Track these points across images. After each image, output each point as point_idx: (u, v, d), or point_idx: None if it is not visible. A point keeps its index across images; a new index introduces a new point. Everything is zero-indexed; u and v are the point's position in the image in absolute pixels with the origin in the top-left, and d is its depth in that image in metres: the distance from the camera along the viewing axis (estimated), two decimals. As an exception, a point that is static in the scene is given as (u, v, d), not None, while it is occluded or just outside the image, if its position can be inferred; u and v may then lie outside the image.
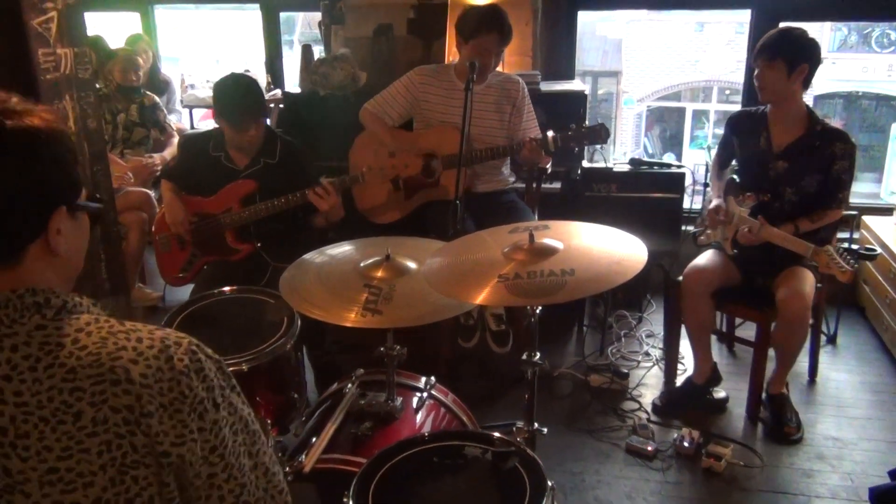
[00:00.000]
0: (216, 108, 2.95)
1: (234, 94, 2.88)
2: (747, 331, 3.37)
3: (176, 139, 4.50)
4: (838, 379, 3.42)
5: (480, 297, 1.69)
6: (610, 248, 1.84)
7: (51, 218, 1.02)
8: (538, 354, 1.96)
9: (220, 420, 1.04)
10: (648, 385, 3.36)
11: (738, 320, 3.55)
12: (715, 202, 3.06)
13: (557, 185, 3.64)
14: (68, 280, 1.10)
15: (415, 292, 1.92)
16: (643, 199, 3.74)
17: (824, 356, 3.54)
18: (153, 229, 3.17)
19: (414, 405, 2.16)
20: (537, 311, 1.92)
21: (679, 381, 3.31)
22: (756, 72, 2.90)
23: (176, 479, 1.00)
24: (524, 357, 1.97)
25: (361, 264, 2.05)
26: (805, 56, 2.82)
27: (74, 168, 1.06)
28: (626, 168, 3.85)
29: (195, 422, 1.00)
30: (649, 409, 3.15)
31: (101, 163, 2.24)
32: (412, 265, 2.04)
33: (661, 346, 3.62)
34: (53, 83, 1.97)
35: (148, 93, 4.50)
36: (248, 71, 4.64)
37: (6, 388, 0.94)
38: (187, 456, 0.99)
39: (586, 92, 3.88)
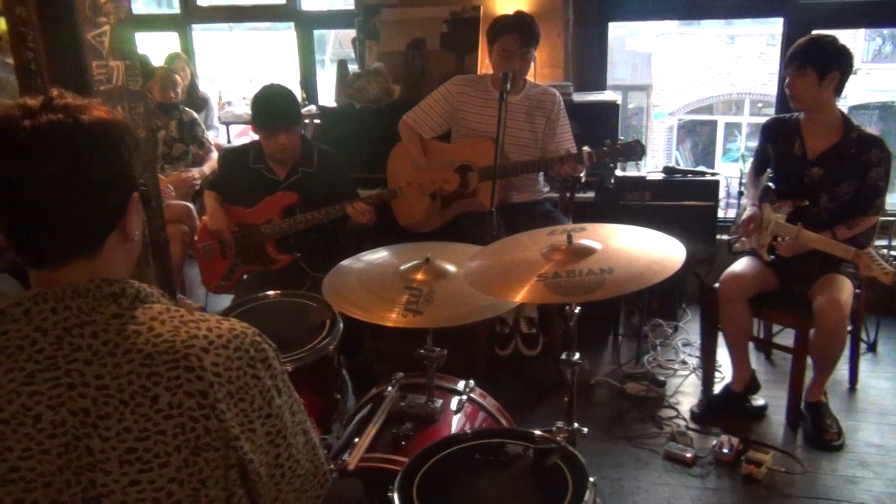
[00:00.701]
0: (252, 117, 3.03)
1: (268, 101, 2.97)
2: (785, 338, 3.35)
3: (214, 154, 4.60)
4: (879, 386, 3.38)
5: (520, 296, 1.72)
6: (647, 248, 1.85)
7: (129, 204, 1.09)
8: (577, 354, 1.98)
9: (282, 405, 1.10)
10: (686, 393, 3.35)
11: (775, 328, 3.52)
12: (749, 211, 3.06)
13: (591, 194, 3.66)
14: (133, 263, 1.15)
15: (455, 293, 1.96)
16: (677, 207, 3.74)
17: (864, 363, 3.50)
18: (196, 239, 3.25)
19: (453, 407, 2.19)
20: (576, 311, 1.94)
21: (717, 388, 3.29)
22: (787, 80, 2.91)
23: (240, 463, 1.04)
24: (563, 357, 1.99)
25: (401, 267, 2.10)
26: (835, 63, 2.81)
27: (135, 155, 1.12)
28: (660, 176, 3.85)
29: (264, 408, 1.07)
30: (687, 416, 3.14)
31: (149, 171, 2.32)
32: (451, 268, 2.08)
33: (697, 354, 3.60)
34: (107, 94, 2.06)
35: (187, 109, 4.61)
36: (281, 85, 4.73)
37: (88, 372, 0.99)
38: (255, 438, 1.05)
39: (618, 102, 3.90)
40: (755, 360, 3.38)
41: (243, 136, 5.91)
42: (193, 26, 5.51)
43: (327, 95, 4.96)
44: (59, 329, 1.01)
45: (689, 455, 2.83)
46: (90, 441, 0.98)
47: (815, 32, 2.98)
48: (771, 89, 11.43)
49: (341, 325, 2.27)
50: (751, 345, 3.27)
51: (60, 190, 1.00)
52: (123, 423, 0.98)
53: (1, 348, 1.01)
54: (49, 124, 1.00)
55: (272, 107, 2.96)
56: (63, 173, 1.00)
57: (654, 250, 1.84)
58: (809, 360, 3.00)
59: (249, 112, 5.24)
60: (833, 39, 2.86)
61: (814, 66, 2.80)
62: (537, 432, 1.78)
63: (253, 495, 1.07)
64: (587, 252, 1.81)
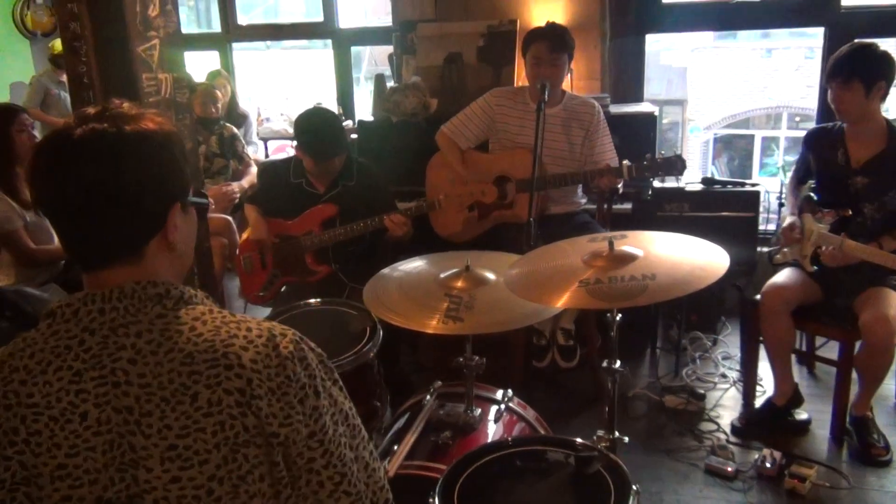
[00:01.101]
0: (299, 141, 3.08)
1: (317, 130, 3.02)
2: (828, 352, 3.29)
3: (254, 168, 4.68)
4: (927, 402, 3.30)
5: (562, 302, 1.72)
6: (690, 255, 1.84)
7: (169, 214, 1.10)
8: (619, 362, 1.97)
9: (320, 407, 1.09)
10: (726, 406, 3.30)
11: (818, 341, 3.46)
12: (789, 220, 3.02)
13: (628, 205, 3.64)
14: (181, 274, 1.18)
15: (495, 300, 1.96)
16: (717, 218, 3.69)
17: (912, 378, 3.42)
18: (237, 251, 3.30)
19: (492, 416, 2.18)
20: (617, 318, 1.94)
21: (758, 402, 3.24)
22: (831, 94, 2.86)
23: (285, 460, 1.05)
24: (604, 365, 1.98)
25: (441, 275, 2.11)
26: (881, 73, 2.77)
27: (184, 165, 1.14)
28: (699, 187, 3.82)
29: (296, 407, 1.06)
30: (728, 430, 3.09)
31: (195, 181, 2.37)
32: (491, 276, 2.09)
33: (737, 367, 3.55)
34: (155, 106, 2.12)
35: (227, 125, 4.71)
36: (319, 104, 4.81)
37: (131, 371, 1.02)
38: (293, 436, 1.05)
39: (656, 113, 3.88)
40: (798, 374, 3.32)
41: (280, 151, 6.00)
42: (233, 45, 5.63)
43: (363, 112, 5.02)
44: (106, 329, 1.04)
45: (730, 469, 2.78)
46: (133, 438, 1.00)
47: (856, 41, 2.92)
48: (809, 102, 11.33)
49: (381, 332, 2.29)
50: (793, 358, 3.22)
51: (97, 196, 1.03)
52: (164, 421, 1.00)
53: (51, 348, 1.04)
54: (92, 133, 1.04)
55: (322, 136, 3.02)
56: (100, 180, 1.03)
57: (697, 257, 1.82)
58: (854, 374, 2.94)
59: (288, 127, 5.38)
60: (875, 47, 2.81)
61: (860, 78, 2.75)
62: (579, 440, 1.77)
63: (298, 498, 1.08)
64: (629, 258, 1.81)
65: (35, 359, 1.04)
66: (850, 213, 2.88)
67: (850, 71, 2.76)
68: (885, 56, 2.79)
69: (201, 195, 1.27)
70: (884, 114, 2.92)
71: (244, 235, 3.29)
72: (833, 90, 2.83)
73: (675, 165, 3.00)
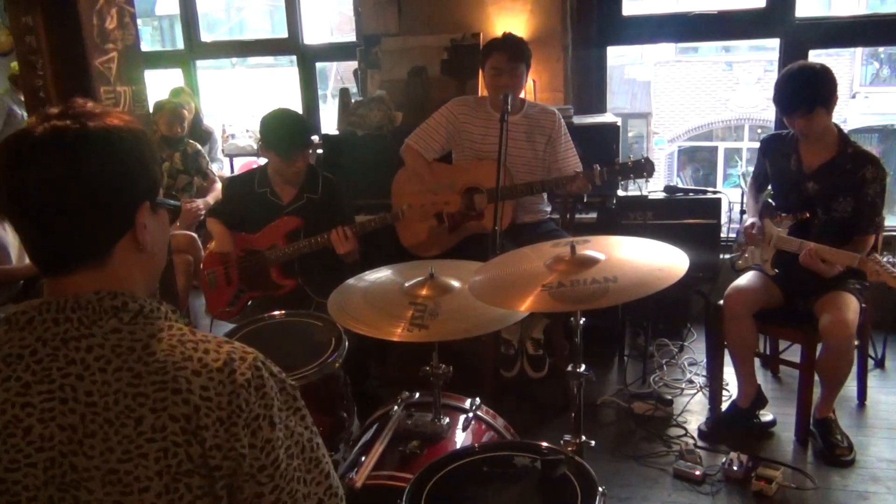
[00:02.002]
0: (264, 139, 3.05)
1: (283, 125, 3.01)
2: (791, 355, 3.34)
3: (219, 185, 4.64)
4: (888, 402, 3.36)
5: (525, 305, 1.73)
6: (650, 258, 1.87)
7: (137, 213, 1.06)
8: (584, 366, 1.99)
9: (273, 440, 1.02)
10: (693, 412, 3.33)
11: (781, 345, 3.51)
12: (750, 220, 3.08)
13: (593, 214, 3.68)
14: (153, 276, 1.14)
15: (460, 307, 1.97)
16: (679, 225, 3.75)
17: (873, 380, 3.48)
18: (201, 266, 3.27)
19: (460, 425, 2.18)
20: (581, 322, 1.95)
21: (724, 406, 3.27)
22: (794, 124, 2.87)
23: (228, 493, 1.00)
24: (569, 369, 1.99)
25: (406, 284, 2.11)
26: (833, 88, 2.83)
27: (154, 166, 1.10)
28: (662, 195, 3.87)
29: (247, 437, 1.00)
30: (695, 434, 3.12)
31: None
32: (455, 283, 2.09)
33: (704, 373, 3.59)
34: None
35: (191, 141, 4.67)
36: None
37: (79, 388, 0.97)
38: (237, 469, 0.99)
39: (618, 124, 3.93)
40: (761, 378, 3.37)
41: (246, 168, 5.97)
42: (197, 63, 5.60)
43: (329, 127, 5.02)
44: (58, 341, 0.99)
45: (698, 473, 2.81)
46: (75, 458, 0.96)
47: (795, 66, 2.93)
48: (769, 114, 11.56)
49: (347, 342, 2.28)
50: (756, 362, 3.26)
51: (60, 196, 0.99)
52: (107, 443, 0.96)
53: (3, 356, 1.00)
54: (53, 130, 1.00)
55: (290, 130, 3.01)
56: (63, 179, 0.99)
57: (657, 259, 1.85)
58: (817, 376, 2.99)
59: (253, 144, 5.35)
60: (818, 68, 2.83)
61: (822, 104, 2.79)
62: (545, 444, 1.77)
63: None
64: (591, 262, 1.82)
65: None
66: (808, 215, 2.94)
67: (812, 100, 2.79)
68: (828, 73, 2.84)
69: (172, 197, 1.24)
70: (834, 121, 2.98)
71: (208, 248, 3.26)
72: (796, 120, 2.85)
73: (645, 168, 3.06)
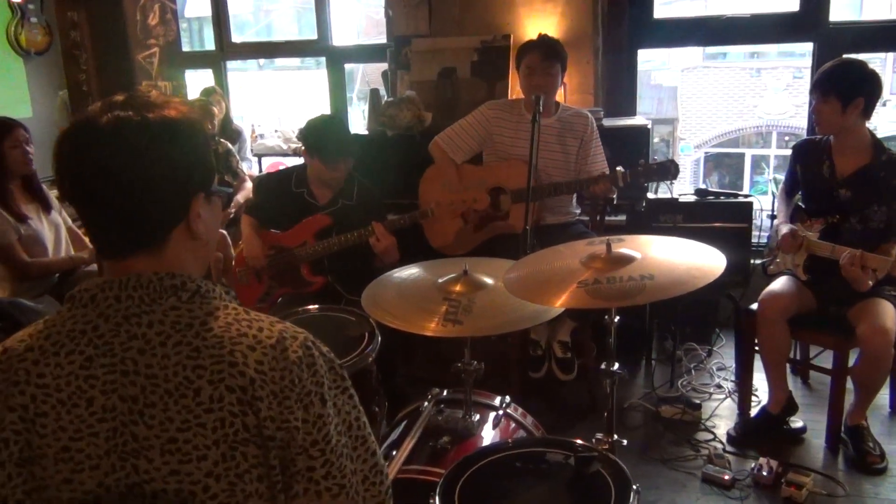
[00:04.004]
0: (309, 144, 3.08)
1: (329, 132, 3.03)
2: (822, 361, 3.30)
3: (248, 184, 4.68)
4: (922, 410, 3.31)
5: (561, 301, 1.73)
6: (686, 257, 1.86)
7: (192, 203, 1.10)
8: (616, 365, 1.98)
9: (325, 416, 1.06)
10: (722, 416, 3.30)
11: (812, 351, 3.47)
12: (786, 228, 3.04)
13: (622, 217, 3.67)
14: (204, 263, 1.17)
15: (494, 303, 1.98)
16: (710, 228, 3.71)
17: (906, 387, 3.43)
18: (233, 264, 3.31)
19: (490, 422, 2.19)
20: (615, 320, 1.95)
21: (753, 412, 3.24)
22: (813, 105, 2.92)
23: (281, 464, 1.03)
24: (602, 367, 1.99)
25: (440, 280, 2.12)
26: (860, 90, 2.79)
27: (209, 156, 1.13)
28: (693, 198, 3.85)
29: (300, 412, 1.04)
30: (724, 439, 3.09)
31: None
32: (489, 280, 2.10)
33: (732, 378, 3.56)
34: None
35: (221, 140, 4.71)
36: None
37: (140, 361, 1.02)
38: (289, 441, 1.03)
39: (649, 126, 3.92)
40: (792, 384, 3.33)
41: (274, 168, 6.02)
42: (228, 63, 5.64)
43: (358, 128, 5.05)
44: (120, 317, 1.04)
45: (726, 477, 2.78)
46: (136, 428, 1.00)
47: (844, 57, 2.97)
48: (798, 121, 11.46)
49: (379, 337, 2.29)
50: (787, 368, 3.23)
51: (118, 184, 1.03)
52: (167, 413, 1.00)
53: (67, 331, 1.04)
54: (116, 120, 1.04)
55: (336, 137, 3.05)
56: (121, 168, 1.02)
57: (693, 258, 1.84)
58: (849, 383, 2.96)
59: (282, 144, 5.39)
60: (859, 65, 2.85)
61: (837, 94, 2.79)
62: (578, 441, 1.77)
63: None
64: (627, 260, 1.82)
65: (50, 340, 1.04)
66: (838, 218, 2.91)
67: (828, 86, 2.81)
68: (867, 73, 2.82)
69: (224, 184, 1.26)
70: (869, 128, 2.95)
71: (239, 248, 3.30)
72: (814, 102, 2.89)
73: (669, 170, 3.03)
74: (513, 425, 2.23)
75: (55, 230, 3.39)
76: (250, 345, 1.04)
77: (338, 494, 1.07)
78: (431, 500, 1.62)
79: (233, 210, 4.43)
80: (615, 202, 3.49)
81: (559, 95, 3.44)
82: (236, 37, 5.51)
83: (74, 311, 1.06)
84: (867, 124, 2.93)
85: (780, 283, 3.06)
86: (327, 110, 5.29)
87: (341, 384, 1.12)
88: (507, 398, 2.31)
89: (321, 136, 3.04)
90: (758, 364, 3.17)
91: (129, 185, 1.03)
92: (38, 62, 4.99)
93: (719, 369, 3.72)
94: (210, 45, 5.58)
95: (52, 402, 1.02)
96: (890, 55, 10.76)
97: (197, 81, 5.64)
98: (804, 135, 4.18)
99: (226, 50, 5.48)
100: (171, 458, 1.00)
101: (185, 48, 5.57)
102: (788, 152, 3.33)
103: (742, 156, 12.41)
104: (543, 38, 3.30)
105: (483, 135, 3.42)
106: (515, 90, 3.93)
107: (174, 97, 1.12)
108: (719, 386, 3.56)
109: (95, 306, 1.05)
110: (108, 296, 1.05)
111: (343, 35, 7.71)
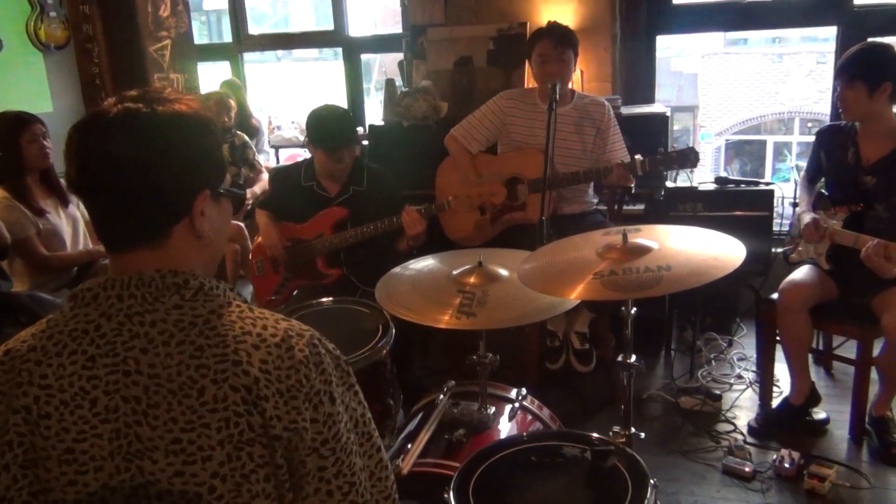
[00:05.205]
0: (311, 135, 3.07)
1: (328, 121, 3.01)
2: (845, 351, 3.24)
3: (265, 175, 4.69)
4: (948, 401, 3.24)
5: (576, 293, 1.70)
6: (704, 247, 1.83)
7: (195, 200, 1.08)
8: (633, 357, 1.95)
9: (335, 414, 1.05)
10: (742, 407, 3.26)
11: (835, 341, 3.42)
12: (809, 216, 2.98)
13: (641, 206, 3.62)
14: (211, 263, 1.16)
15: (508, 296, 1.95)
16: (731, 217, 3.66)
17: (932, 378, 3.36)
18: (250, 255, 3.31)
19: (506, 415, 2.17)
20: (633, 311, 1.92)
21: (775, 403, 3.20)
22: (838, 91, 2.85)
23: (288, 464, 1.02)
24: (619, 359, 1.96)
25: (454, 272, 2.10)
26: (886, 75, 2.73)
27: (218, 154, 1.12)
28: (713, 186, 3.79)
29: (309, 412, 1.02)
30: (745, 430, 3.05)
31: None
32: (504, 272, 2.07)
33: (753, 368, 3.52)
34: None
35: (238, 132, 4.72)
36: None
37: (142, 360, 1.00)
38: (296, 441, 1.01)
39: (668, 114, 3.87)
40: (814, 374, 3.28)
41: (292, 159, 6.03)
42: (245, 56, 5.64)
43: (374, 119, 5.04)
44: (122, 316, 1.02)
45: (748, 469, 2.75)
46: (140, 429, 0.99)
47: (869, 41, 2.90)
48: (821, 107, 11.28)
49: (393, 329, 2.28)
50: (809, 358, 3.18)
51: (120, 175, 1.02)
52: (171, 413, 0.99)
53: (69, 331, 1.03)
54: (125, 112, 1.04)
55: (333, 125, 3.01)
56: (125, 159, 1.02)
57: (712, 248, 1.81)
58: (873, 373, 2.90)
59: (299, 135, 5.40)
60: (886, 48, 2.78)
61: (863, 79, 2.73)
62: (595, 435, 1.75)
63: None
64: (644, 250, 1.79)
65: (53, 340, 1.04)
66: (862, 206, 2.85)
67: (854, 70, 2.75)
68: (894, 57, 2.76)
69: (238, 186, 1.25)
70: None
71: (257, 240, 3.30)
72: (839, 88, 2.83)
73: (689, 157, 2.98)
74: (529, 418, 2.21)
75: (73, 224, 3.41)
76: (254, 343, 1.03)
77: (348, 492, 1.06)
78: (446, 495, 1.61)
79: (249, 201, 4.44)
80: (633, 191, 3.44)
81: (576, 83, 3.39)
82: (254, 28, 5.51)
83: (77, 310, 1.05)
84: (895, 109, 2.87)
85: (801, 273, 3.01)
86: (344, 101, 5.29)
87: (347, 381, 1.11)
88: (524, 390, 2.29)
89: (320, 125, 3.02)
90: (779, 354, 3.12)
91: (131, 176, 1.02)
92: (57, 57, 5.02)
93: (740, 359, 3.68)
94: (228, 37, 5.59)
95: (56, 402, 1.01)
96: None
97: (214, 74, 5.67)
98: (827, 121, 4.10)
99: (243, 42, 5.49)
100: (176, 459, 0.98)
101: (204, 41, 5.59)
102: (811, 139, 3.26)
103: (764, 143, 12.24)
104: (554, 25, 3.26)
105: (498, 125, 3.39)
106: (531, 80, 3.89)
107: (188, 94, 1.11)
108: (740, 376, 3.52)
109: (98, 305, 1.04)
110: (110, 294, 1.04)
111: (359, 25, 7.69)
